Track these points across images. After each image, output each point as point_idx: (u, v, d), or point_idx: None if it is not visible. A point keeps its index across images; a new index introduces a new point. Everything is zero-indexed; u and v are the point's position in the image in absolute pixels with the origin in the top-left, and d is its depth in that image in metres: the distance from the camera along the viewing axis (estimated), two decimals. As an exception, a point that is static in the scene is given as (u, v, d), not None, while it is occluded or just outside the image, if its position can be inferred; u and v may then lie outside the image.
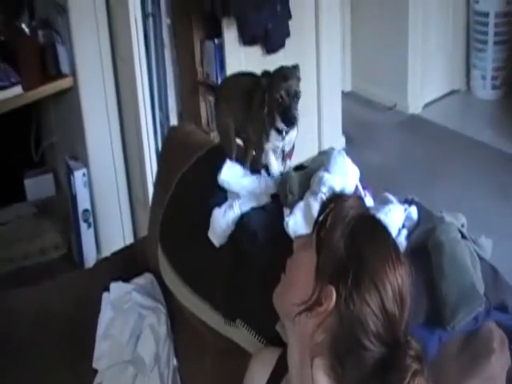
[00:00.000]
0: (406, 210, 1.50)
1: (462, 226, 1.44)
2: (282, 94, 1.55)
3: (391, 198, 1.54)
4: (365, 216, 1.17)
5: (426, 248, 1.39)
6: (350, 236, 1.11)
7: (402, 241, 1.43)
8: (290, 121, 1.57)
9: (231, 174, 1.64)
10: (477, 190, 3.38)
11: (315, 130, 3.13)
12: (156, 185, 1.99)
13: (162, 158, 2.06)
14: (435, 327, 1.30)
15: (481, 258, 1.41)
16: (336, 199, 1.19)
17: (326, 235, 1.13)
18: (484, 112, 4.22)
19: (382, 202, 1.54)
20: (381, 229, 1.16)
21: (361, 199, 1.25)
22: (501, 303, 1.35)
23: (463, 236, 1.42)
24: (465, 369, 1.23)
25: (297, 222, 1.47)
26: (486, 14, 4.08)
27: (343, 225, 1.12)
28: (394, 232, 1.40)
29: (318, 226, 1.16)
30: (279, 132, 1.60)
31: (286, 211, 1.53)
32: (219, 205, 1.59)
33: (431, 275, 1.34)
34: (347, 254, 1.10)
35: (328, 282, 1.09)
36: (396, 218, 1.47)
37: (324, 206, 1.19)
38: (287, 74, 1.59)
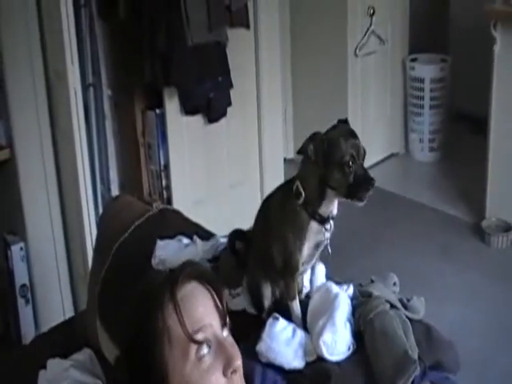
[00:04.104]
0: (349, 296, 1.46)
1: (394, 284, 1.43)
2: (353, 154, 1.27)
3: (333, 288, 1.46)
4: None
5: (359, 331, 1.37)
6: None
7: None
8: (367, 188, 1.34)
9: (167, 253, 1.59)
10: (418, 250, 3.42)
11: (257, 197, 3.13)
12: (94, 255, 1.94)
13: (100, 228, 2.01)
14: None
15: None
16: None
17: None
18: (423, 174, 4.32)
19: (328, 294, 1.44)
20: None
21: None
22: (436, 361, 1.34)
23: (393, 306, 1.39)
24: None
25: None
26: (422, 80, 4.23)
27: None
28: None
29: None
30: (322, 221, 1.34)
31: None
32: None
33: (367, 355, 1.32)
34: None
35: None
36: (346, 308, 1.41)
37: None
38: (349, 130, 1.28)
